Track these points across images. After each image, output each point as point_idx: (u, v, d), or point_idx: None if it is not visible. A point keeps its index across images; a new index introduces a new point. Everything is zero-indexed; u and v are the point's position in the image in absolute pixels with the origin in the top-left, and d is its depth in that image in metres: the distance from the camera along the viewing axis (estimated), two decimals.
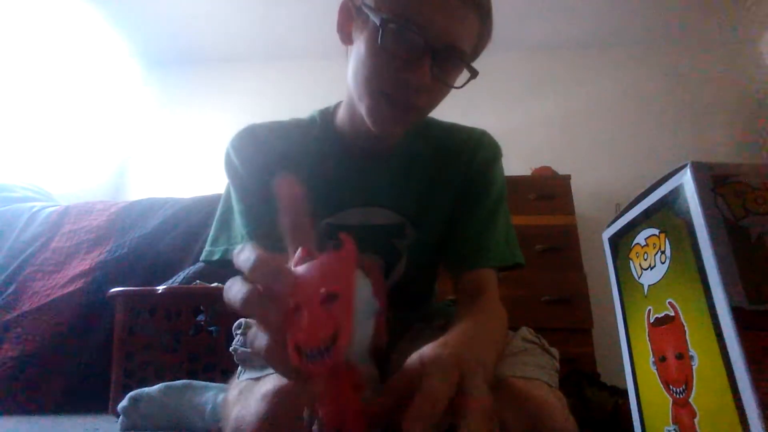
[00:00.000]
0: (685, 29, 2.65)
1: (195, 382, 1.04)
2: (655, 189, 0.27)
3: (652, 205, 0.27)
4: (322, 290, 0.34)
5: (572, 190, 2.11)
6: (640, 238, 0.28)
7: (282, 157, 0.74)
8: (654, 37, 2.74)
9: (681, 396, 0.25)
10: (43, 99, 2.39)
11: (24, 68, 2.28)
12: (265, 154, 0.73)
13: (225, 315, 1.18)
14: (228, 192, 0.76)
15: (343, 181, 0.75)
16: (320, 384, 0.34)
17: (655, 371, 0.28)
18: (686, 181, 0.24)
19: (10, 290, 1.54)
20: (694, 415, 0.24)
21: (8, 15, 2.19)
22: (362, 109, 0.66)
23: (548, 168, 2.32)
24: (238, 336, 0.66)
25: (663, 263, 0.26)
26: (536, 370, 0.57)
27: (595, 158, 2.63)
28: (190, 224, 1.65)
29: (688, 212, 0.23)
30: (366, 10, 0.62)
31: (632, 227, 0.29)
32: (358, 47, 0.65)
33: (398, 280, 0.79)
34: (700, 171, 0.23)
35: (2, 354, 1.40)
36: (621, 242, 0.31)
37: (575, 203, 2.09)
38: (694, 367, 0.24)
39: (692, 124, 2.64)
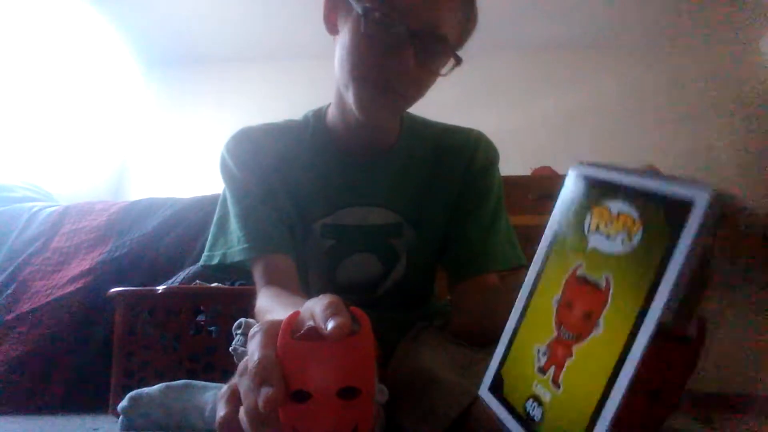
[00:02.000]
0: (684, 29, 2.65)
1: (195, 382, 1.04)
2: (659, 179, 0.27)
3: (647, 192, 0.27)
4: (343, 383, 0.32)
5: None
6: (614, 206, 0.29)
7: (277, 158, 0.74)
8: (654, 37, 2.74)
9: (568, 339, 0.28)
10: (43, 99, 2.39)
11: (24, 68, 2.28)
12: (260, 156, 0.74)
13: (225, 315, 1.18)
14: (224, 196, 0.76)
15: (339, 180, 0.75)
16: None
17: (554, 308, 0.30)
18: (699, 204, 0.23)
19: (10, 290, 1.54)
20: (569, 355, 0.27)
21: (9, 15, 2.18)
22: (349, 97, 0.67)
23: (548, 168, 2.32)
24: (238, 336, 0.66)
25: (622, 245, 0.27)
26: None
27: (595, 158, 2.62)
28: (190, 224, 1.65)
29: (679, 229, 0.24)
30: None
31: (611, 190, 0.30)
32: (343, 36, 0.65)
33: (399, 281, 0.79)
34: (716, 205, 0.23)
35: (2, 354, 1.40)
36: (591, 189, 0.32)
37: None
38: (595, 333, 0.26)
39: (692, 124, 2.64)
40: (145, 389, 1.01)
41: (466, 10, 0.66)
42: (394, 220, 0.76)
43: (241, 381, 0.34)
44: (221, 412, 0.35)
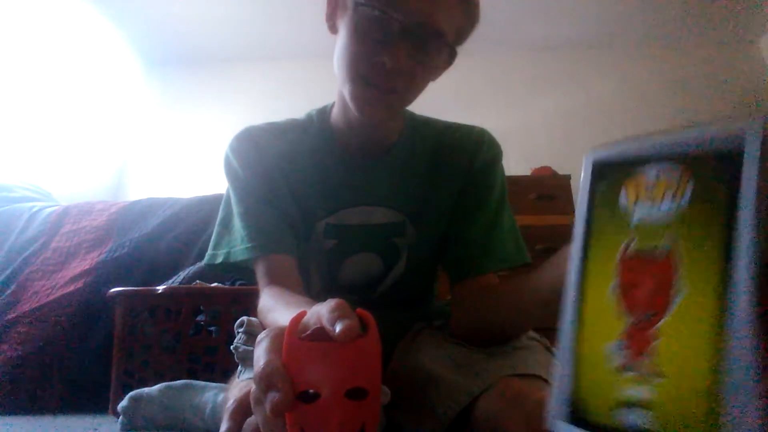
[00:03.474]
0: (684, 29, 2.65)
1: (195, 382, 1.04)
2: (690, 131, 0.26)
3: (685, 141, 0.25)
4: (351, 383, 0.32)
5: (572, 190, 2.11)
6: (650, 171, 0.27)
7: (280, 157, 0.74)
8: (654, 37, 2.74)
9: (646, 320, 0.25)
10: (43, 99, 2.39)
11: (24, 68, 2.28)
12: (263, 155, 0.74)
13: (225, 315, 1.18)
14: (228, 195, 0.76)
15: (343, 180, 0.75)
16: None
17: (614, 297, 0.27)
18: (752, 133, 0.22)
19: (10, 290, 1.54)
20: (656, 337, 0.24)
21: (9, 15, 2.19)
22: (346, 95, 0.67)
23: (548, 168, 2.32)
24: (240, 334, 0.66)
25: (672, 204, 0.25)
26: (538, 368, 0.57)
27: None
28: (190, 224, 1.65)
29: (738, 168, 0.22)
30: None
31: (641, 156, 0.28)
32: (341, 35, 0.65)
33: (398, 280, 0.79)
34: None
35: (2, 354, 1.40)
36: (614, 167, 0.30)
37: (575, 203, 2.09)
38: (676, 301, 0.23)
39: (692, 123, 2.64)
40: (145, 389, 1.01)
41: (464, 7, 0.66)
42: (397, 219, 0.76)
43: (253, 389, 0.34)
44: (224, 427, 0.35)
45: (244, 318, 0.67)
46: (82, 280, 1.53)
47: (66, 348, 1.44)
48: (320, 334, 0.34)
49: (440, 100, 2.42)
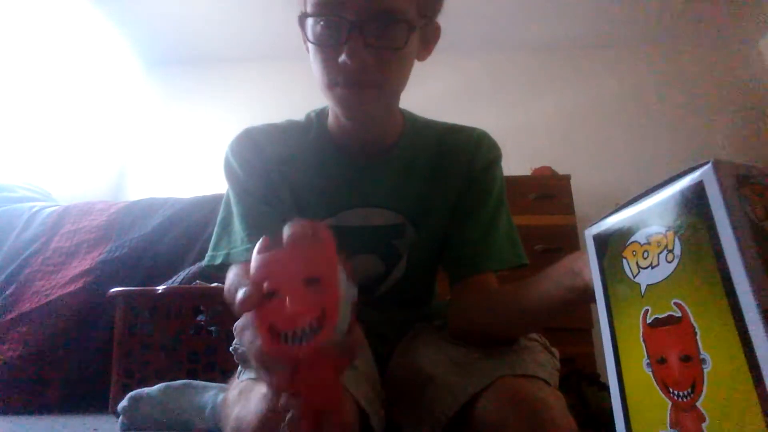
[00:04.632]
0: (685, 29, 2.65)
1: (195, 382, 1.04)
2: (660, 188, 0.26)
3: (659, 203, 0.26)
4: (305, 274, 0.35)
5: (572, 190, 2.11)
6: (640, 237, 0.27)
7: (280, 159, 0.74)
8: (654, 37, 2.74)
9: (686, 399, 0.24)
10: (43, 99, 2.39)
11: (24, 68, 2.28)
12: (263, 156, 0.74)
13: (225, 315, 1.18)
14: (228, 196, 0.76)
15: (342, 181, 0.75)
16: (303, 367, 0.34)
17: (650, 373, 0.26)
18: (708, 179, 0.23)
19: (10, 290, 1.54)
20: (702, 419, 0.23)
21: (9, 15, 2.19)
22: (331, 104, 0.68)
23: (548, 168, 2.32)
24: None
25: (670, 262, 0.25)
26: (537, 367, 0.57)
27: (595, 158, 2.63)
28: (189, 224, 1.65)
29: (708, 211, 0.23)
30: (299, 16, 0.64)
31: (629, 226, 0.29)
32: (310, 52, 0.66)
33: (399, 281, 0.79)
34: (724, 170, 0.22)
35: (2, 354, 1.40)
36: (611, 240, 0.31)
37: (575, 203, 2.09)
38: (706, 371, 0.23)
39: (692, 124, 2.64)
40: (145, 389, 1.01)
41: None
42: (397, 221, 0.76)
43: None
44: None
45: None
46: (82, 280, 1.53)
47: (66, 348, 1.44)
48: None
49: (440, 101, 2.42)
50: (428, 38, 0.71)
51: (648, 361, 0.27)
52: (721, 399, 0.22)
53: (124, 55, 2.94)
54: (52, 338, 1.43)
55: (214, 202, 1.65)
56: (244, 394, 0.54)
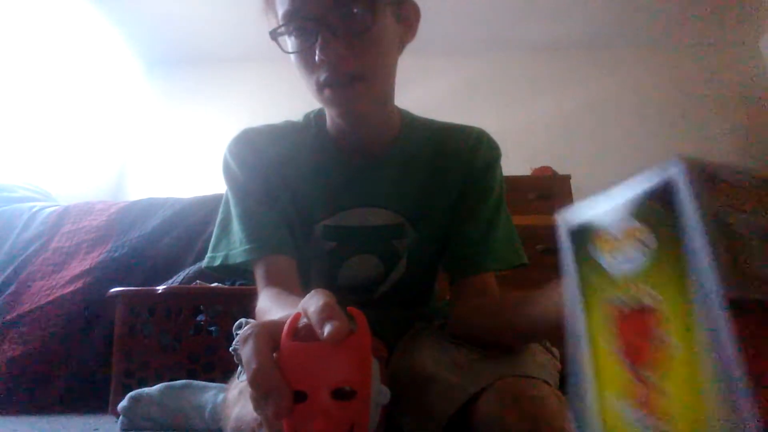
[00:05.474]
0: (684, 29, 2.65)
1: (195, 382, 1.04)
2: (635, 183, 0.27)
3: (634, 197, 0.27)
4: (336, 383, 0.32)
5: (572, 190, 2.11)
6: (614, 229, 0.29)
7: (278, 159, 0.74)
8: (654, 37, 2.74)
9: (650, 380, 0.26)
10: (43, 99, 2.39)
11: (25, 68, 2.28)
12: (261, 157, 0.74)
13: (225, 315, 1.18)
14: (227, 197, 0.76)
15: (341, 181, 0.75)
16: None
17: (620, 355, 0.28)
18: (677, 175, 0.24)
19: (10, 290, 1.54)
20: (662, 397, 0.25)
21: (9, 15, 2.19)
22: (324, 106, 0.69)
23: (548, 168, 2.32)
24: (238, 336, 0.66)
25: (643, 255, 0.27)
26: (537, 368, 0.57)
27: (595, 158, 2.63)
28: (190, 224, 1.65)
29: (678, 207, 0.24)
30: (270, 33, 0.65)
31: (603, 218, 0.30)
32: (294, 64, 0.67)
33: (399, 281, 0.79)
34: (692, 167, 0.23)
35: (2, 354, 1.40)
36: (585, 230, 0.32)
37: (575, 203, 2.09)
38: (671, 354, 0.25)
39: (692, 124, 2.64)
40: (145, 389, 1.01)
41: None
42: (396, 221, 0.76)
43: (251, 392, 0.34)
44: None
45: (242, 320, 0.67)
46: (82, 280, 1.53)
47: (66, 348, 1.44)
48: (312, 332, 0.34)
49: (440, 101, 2.42)
50: (407, 17, 0.70)
51: (617, 342, 0.29)
52: (681, 381, 0.24)
53: (124, 55, 2.94)
54: (52, 338, 1.43)
55: (214, 202, 1.65)
56: (244, 394, 0.54)
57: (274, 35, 0.64)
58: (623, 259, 0.28)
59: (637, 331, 0.27)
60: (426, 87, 2.50)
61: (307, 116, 0.80)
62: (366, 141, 0.75)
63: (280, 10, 0.62)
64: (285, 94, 2.84)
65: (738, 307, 0.21)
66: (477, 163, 0.77)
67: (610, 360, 0.29)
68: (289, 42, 0.65)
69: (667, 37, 2.73)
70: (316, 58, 0.60)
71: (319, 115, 0.79)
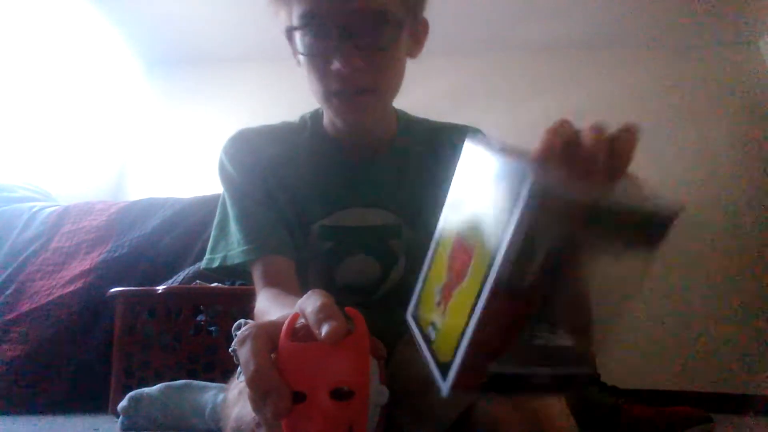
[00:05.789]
0: (684, 29, 2.65)
1: (195, 382, 1.04)
2: (509, 162, 0.32)
3: (511, 170, 0.31)
4: (335, 383, 0.33)
5: None
6: (490, 179, 0.34)
7: (274, 160, 0.74)
8: (654, 37, 2.74)
9: (453, 283, 0.34)
10: (43, 99, 2.39)
11: (24, 68, 2.28)
12: (257, 157, 0.74)
13: (225, 315, 1.18)
14: (224, 198, 0.76)
15: (337, 181, 0.75)
16: None
17: (447, 260, 0.37)
18: (522, 196, 0.27)
19: (10, 290, 1.54)
20: (451, 297, 0.34)
21: (9, 15, 2.19)
22: (329, 114, 0.68)
23: None
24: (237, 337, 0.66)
25: (487, 210, 0.32)
26: None
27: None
28: (189, 224, 1.66)
29: (517, 198, 0.28)
30: (286, 30, 0.64)
31: (493, 163, 0.35)
32: (302, 65, 0.66)
33: (398, 282, 0.79)
34: (535, 196, 0.27)
35: (2, 354, 1.40)
36: (476, 159, 0.40)
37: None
38: (465, 279, 0.32)
39: (692, 124, 2.64)
40: (145, 389, 1.01)
41: None
42: (393, 221, 0.76)
43: (249, 393, 0.34)
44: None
45: (242, 321, 0.67)
46: (82, 280, 1.53)
47: (66, 348, 1.44)
48: (310, 333, 0.34)
49: (440, 101, 2.42)
50: (418, 35, 0.70)
51: (450, 253, 0.37)
52: (461, 298, 0.32)
53: (124, 55, 2.94)
54: (52, 338, 1.43)
55: (214, 202, 1.64)
56: (244, 394, 0.54)
57: (290, 33, 0.63)
58: (481, 204, 0.34)
59: (462, 254, 0.34)
60: (426, 87, 2.50)
61: (302, 117, 0.80)
62: (363, 141, 0.75)
63: (299, 8, 0.61)
64: (285, 94, 2.84)
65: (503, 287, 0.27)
66: None
67: (443, 258, 0.38)
68: (302, 42, 0.63)
69: (666, 37, 2.73)
70: (333, 66, 0.60)
71: (314, 115, 0.79)
